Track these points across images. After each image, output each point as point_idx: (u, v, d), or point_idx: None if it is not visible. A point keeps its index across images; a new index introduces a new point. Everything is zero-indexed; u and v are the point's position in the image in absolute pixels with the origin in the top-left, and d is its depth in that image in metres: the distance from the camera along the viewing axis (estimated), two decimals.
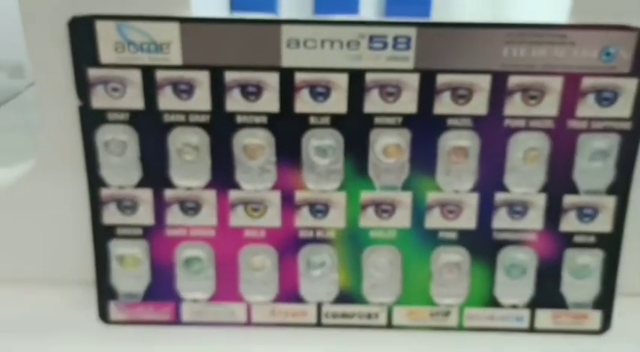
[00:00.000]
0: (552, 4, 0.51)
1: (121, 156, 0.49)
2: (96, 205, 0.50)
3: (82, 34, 0.46)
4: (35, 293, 0.56)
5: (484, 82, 0.47)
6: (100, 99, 0.47)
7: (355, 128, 0.48)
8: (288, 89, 0.47)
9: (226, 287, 0.52)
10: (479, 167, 0.49)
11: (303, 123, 0.48)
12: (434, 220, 0.50)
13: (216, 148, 0.49)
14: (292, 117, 0.48)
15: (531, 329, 0.53)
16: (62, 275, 0.56)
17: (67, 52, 0.47)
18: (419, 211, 0.50)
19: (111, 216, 0.51)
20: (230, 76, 0.47)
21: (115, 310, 0.53)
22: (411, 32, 0.45)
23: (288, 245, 0.51)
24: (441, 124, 0.48)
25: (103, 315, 0.53)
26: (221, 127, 0.48)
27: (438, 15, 0.64)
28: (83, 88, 0.47)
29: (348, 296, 0.52)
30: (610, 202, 0.50)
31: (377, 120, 0.48)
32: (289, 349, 0.51)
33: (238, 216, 0.50)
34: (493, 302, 0.52)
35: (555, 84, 0.47)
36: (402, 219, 0.50)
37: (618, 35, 0.45)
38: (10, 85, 1.55)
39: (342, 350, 0.51)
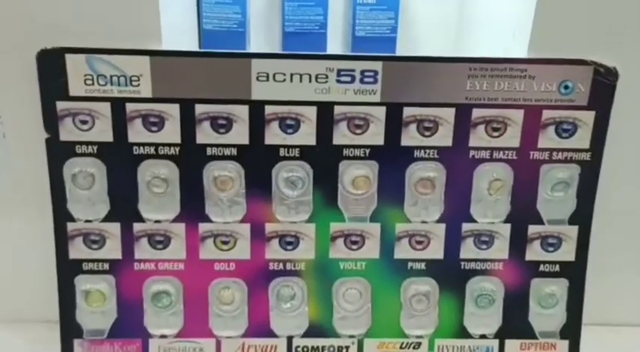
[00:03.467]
0: (511, 39, 0.53)
1: (88, 189, 0.48)
2: (62, 240, 0.49)
3: (50, 66, 0.46)
4: None
5: (449, 114, 0.48)
6: (68, 132, 0.47)
7: (324, 160, 0.49)
8: (258, 121, 0.48)
9: (195, 323, 0.51)
10: (445, 198, 0.50)
11: (272, 155, 0.48)
12: (403, 251, 0.51)
13: (185, 181, 0.49)
14: (262, 149, 0.48)
15: None
16: (25, 314, 0.55)
17: (35, 84, 0.46)
18: (388, 242, 0.51)
19: (77, 251, 0.50)
20: (200, 109, 0.47)
21: (79, 349, 0.51)
22: (378, 66, 0.47)
23: (258, 277, 0.51)
24: (407, 156, 0.49)
25: None
26: (191, 160, 0.48)
27: (402, 53, 0.66)
28: (51, 120, 0.47)
29: (319, 329, 0.52)
30: (573, 232, 0.51)
31: (345, 151, 0.49)
32: None
33: (208, 249, 0.50)
34: (463, 333, 0.53)
35: (517, 116, 0.48)
36: (372, 250, 0.51)
37: (576, 69, 0.47)
38: None
39: None
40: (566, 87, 0.48)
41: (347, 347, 0.52)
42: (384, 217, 0.50)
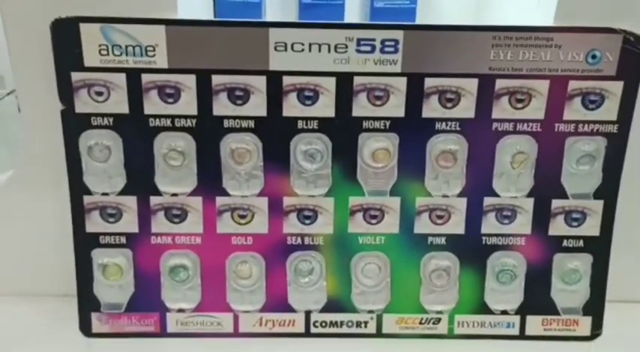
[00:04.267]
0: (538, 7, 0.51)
1: (104, 162, 0.48)
2: (79, 213, 0.49)
3: (65, 36, 0.45)
4: (13, 306, 0.54)
5: (471, 85, 0.47)
6: (83, 104, 0.47)
7: (343, 132, 0.48)
8: (275, 93, 0.47)
9: (213, 297, 0.51)
10: (467, 171, 0.49)
11: (291, 127, 0.47)
12: (423, 225, 0.50)
13: (202, 153, 0.48)
14: (280, 121, 0.47)
15: (522, 336, 0.52)
16: (42, 288, 0.55)
17: (50, 55, 0.46)
18: (408, 216, 0.50)
19: (94, 224, 0.49)
20: (217, 80, 0.46)
21: (97, 322, 0.51)
22: (399, 35, 0.45)
23: (276, 252, 0.50)
24: (429, 128, 0.48)
25: (85, 328, 0.51)
26: (208, 132, 0.47)
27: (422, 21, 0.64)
28: (66, 91, 0.46)
29: (337, 304, 0.51)
30: (598, 206, 0.50)
31: (365, 124, 0.48)
32: None
33: (225, 223, 0.50)
34: (483, 309, 0.52)
35: (542, 87, 0.47)
36: (391, 224, 0.50)
37: (604, 38, 0.46)
38: None
39: None
40: (593, 56, 0.46)
41: (365, 323, 0.52)
42: (404, 191, 0.49)
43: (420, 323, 0.52)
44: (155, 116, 0.47)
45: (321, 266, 0.51)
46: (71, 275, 0.51)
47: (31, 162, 0.51)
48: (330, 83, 0.46)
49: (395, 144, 0.48)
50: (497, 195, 0.49)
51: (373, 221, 0.50)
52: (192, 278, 0.50)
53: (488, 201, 0.50)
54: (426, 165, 0.49)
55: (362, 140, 0.48)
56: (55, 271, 0.53)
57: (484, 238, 0.50)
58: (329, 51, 0.46)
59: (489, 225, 0.50)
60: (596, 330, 0.52)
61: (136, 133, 0.47)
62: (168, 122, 0.47)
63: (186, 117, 0.47)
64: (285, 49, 0.46)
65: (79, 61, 0.46)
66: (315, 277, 0.51)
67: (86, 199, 0.49)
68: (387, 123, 0.48)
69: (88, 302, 0.51)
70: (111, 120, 0.47)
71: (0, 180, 0.53)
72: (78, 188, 0.49)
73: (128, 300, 0.51)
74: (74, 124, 0.47)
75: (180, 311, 0.51)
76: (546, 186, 0.49)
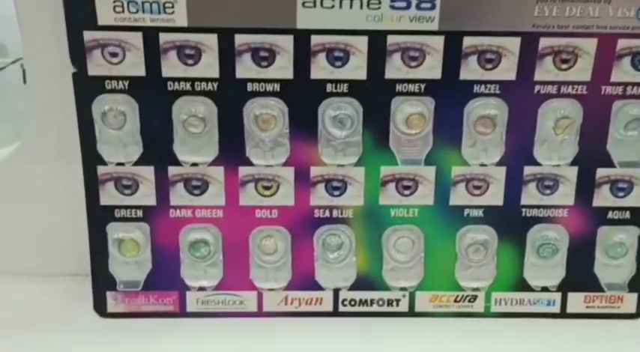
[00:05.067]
0: None
1: (120, 129, 0.45)
2: (92, 185, 0.46)
3: None
4: (23, 286, 0.52)
5: (513, 44, 0.44)
6: (96, 66, 0.43)
7: (375, 96, 0.45)
8: (303, 53, 0.43)
9: (235, 274, 0.48)
10: (507, 138, 0.46)
11: (319, 90, 0.44)
12: (459, 196, 0.47)
13: (224, 120, 0.45)
14: (307, 84, 0.44)
15: (563, 314, 0.49)
16: (53, 266, 0.52)
17: (60, 12, 0.42)
18: (443, 187, 0.47)
19: (109, 196, 0.46)
20: (240, 40, 0.43)
21: (112, 302, 0.48)
22: None
23: (303, 225, 0.47)
24: (466, 91, 0.45)
25: (100, 308, 0.49)
26: (230, 96, 0.44)
27: None
28: (78, 52, 0.43)
29: (367, 281, 0.49)
30: None
31: (398, 87, 0.44)
32: (304, 340, 0.47)
33: (248, 195, 0.47)
34: (523, 285, 0.49)
35: (589, 46, 0.44)
36: (425, 195, 0.47)
37: None
38: None
39: (360, 340, 0.47)
40: None
41: (397, 301, 0.49)
42: (439, 160, 0.46)
43: (456, 300, 0.49)
44: (174, 79, 0.44)
45: (350, 240, 0.48)
46: (84, 253, 0.48)
47: (39, 132, 0.49)
48: (362, 42, 0.43)
49: (430, 109, 0.45)
50: (538, 164, 0.46)
51: (406, 192, 0.47)
52: (213, 254, 0.48)
53: (528, 170, 0.46)
54: (463, 132, 0.46)
55: (395, 104, 0.45)
56: (67, 248, 0.51)
57: (524, 210, 0.47)
58: (361, 7, 0.42)
59: (530, 195, 0.47)
60: None
61: (153, 98, 0.44)
62: (188, 86, 0.44)
63: (207, 80, 0.44)
64: (314, 6, 0.42)
65: (92, 19, 0.42)
66: (344, 252, 0.48)
67: (100, 170, 0.46)
68: (422, 86, 0.44)
69: (102, 281, 0.48)
70: (126, 83, 0.44)
71: (4, 154, 0.50)
72: (91, 158, 0.46)
73: (145, 278, 0.48)
74: (87, 88, 0.44)
75: (201, 289, 0.48)
76: (591, 153, 0.46)
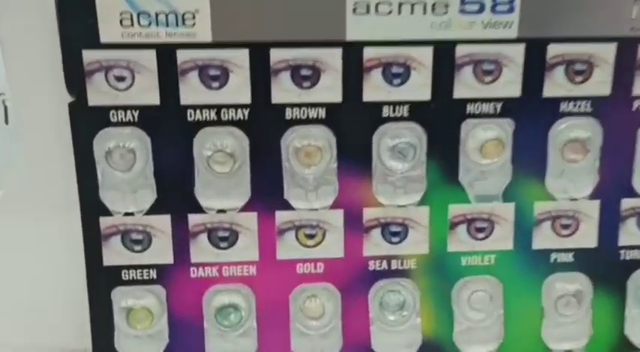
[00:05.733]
0: None
1: (128, 171, 0.37)
2: (93, 241, 0.38)
3: (74, 3, 0.34)
4: None
5: (608, 52, 0.36)
6: (99, 93, 0.35)
7: (442, 120, 0.37)
8: (353, 70, 0.36)
9: (273, 345, 0.40)
10: (601, 166, 0.38)
11: (373, 115, 0.37)
12: (544, 238, 0.39)
13: (257, 155, 0.37)
14: (360, 108, 0.36)
15: None
16: (46, 341, 0.43)
17: (53, 28, 0.34)
18: (524, 227, 0.39)
19: (114, 254, 0.38)
20: (277, 55, 0.35)
21: None
22: None
23: (355, 282, 0.39)
24: (552, 110, 0.37)
25: None
26: (265, 125, 0.36)
27: None
28: (76, 77, 0.35)
29: (435, 347, 0.40)
30: None
31: (470, 108, 0.37)
32: None
33: (288, 246, 0.38)
34: (624, 345, 0.41)
35: None
36: (503, 238, 0.39)
37: None
38: None
39: None
40: None
41: None
42: (519, 194, 0.38)
43: None
44: (195, 107, 0.36)
45: (413, 297, 0.40)
46: (84, 324, 0.39)
47: (27, 178, 0.40)
48: (426, 55, 0.36)
49: (508, 133, 0.37)
50: (638, 196, 0.39)
51: (480, 235, 0.39)
52: (245, 322, 0.39)
53: (627, 203, 0.39)
54: (548, 159, 0.38)
55: (466, 129, 0.37)
56: (62, 319, 0.41)
57: (622, 252, 0.40)
58: (424, 12, 0.35)
59: (629, 234, 0.39)
60: None
61: (170, 131, 0.36)
62: (213, 114, 0.36)
63: (236, 107, 0.36)
64: (367, 12, 0.35)
65: (93, 36, 0.34)
66: (407, 312, 0.40)
67: (103, 222, 0.37)
68: (499, 106, 0.37)
69: None
70: (136, 114, 0.36)
71: None
72: (92, 207, 0.37)
73: None
74: (87, 122, 0.36)
75: None
76: None
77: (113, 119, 0.36)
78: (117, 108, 0.35)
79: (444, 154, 0.38)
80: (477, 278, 0.39)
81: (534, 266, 0.40)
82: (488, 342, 0.40)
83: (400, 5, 0.35)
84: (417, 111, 0.37)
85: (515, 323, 0.40)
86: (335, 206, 0.38)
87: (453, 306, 0.40)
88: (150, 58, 0.35)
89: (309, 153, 0.37)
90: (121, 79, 0.35)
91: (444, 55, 0.36)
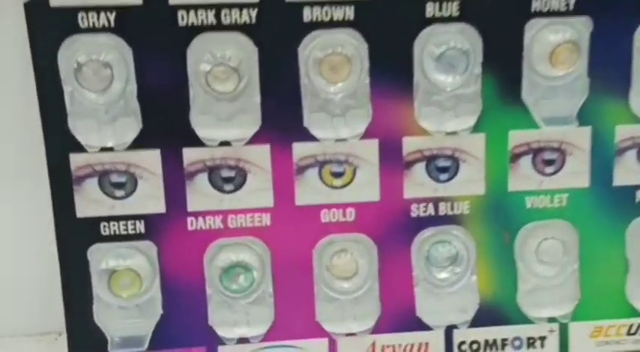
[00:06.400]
0: None
1: (103, 91, 0.30)
2: (62, 185, 0.31)
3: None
4: None
5: None
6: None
7: (501, 19, 0.31)
8: None
9: (293, 314, 0.33)
10: None
11: (413, 15, 0.30)
12: (628, 172, 0.33)
13: (268, 68, 0.30)
14: (396, 5, 0.30)
15: None
16: (7, 322, 0.35)
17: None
18: (604, 159, 0.33)
19: (90, 202, 0.31)
20: None
21: None
22: None
23: (395, 231, 0.33)
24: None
25: None
26: (278, 30, 0.30)
27: None
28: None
29: (495, 310, 0.34)
30: None
31: (536, 4, 0.31)
32: None
33: (310, 186, 0.32)
34: None
35: None
36: (577, 173, 0.33)
37: None
38: None
39: None
40: None
41: (543, 339, 0.34)
42: (596, 115, 0.32)
43: (629, 333, 0.35)
44: (188, 6, 0.29)
45: (467, 250, 0.33)
46: (54, 297, 0.32)
47: None
48: None
49: (584, 36, 0.31)
50: None
51: (549, 169, 0.33)
52: (258, 285, 0.32)
53: None
54: (632, 71, 0.32)
55: (531, 31, 0.31)
56: (27, 294, 0.35)
57: None
58: None
59: None
60: None
61: (157, 39, 0.29)
62: (212, 16, 0.29)
63: (240, 5, 0.29)
64: None
65: None
66: (460, 269, 0.33)
67: (74, 160, 0.30)
68: (572, 2, 0.31)
69: (83, 339, 0.32)
70: (112, 16, 0.29)
71: None
72: (59, 142, 0.30)
73: (153, 330, 0.32)
74: (49, 28, 0.29)
75: (242, 341, 0.33)
76: None
77: (83, 23, 0.29)
78: (87, 9, 0.29)
79: (503, 65, 0.31)
80: (546, 223, 0.34)
81: (616, 206, 0.34)
82: (561, 303, 0.34)
83: None
84: (470, 9, 0.31)
85: (594, 280, 0.34)
86: (368, 135, 0.32)
87: (517, 260, 0.34)
88: None
89: (335, 65, 0.30)
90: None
91: None
